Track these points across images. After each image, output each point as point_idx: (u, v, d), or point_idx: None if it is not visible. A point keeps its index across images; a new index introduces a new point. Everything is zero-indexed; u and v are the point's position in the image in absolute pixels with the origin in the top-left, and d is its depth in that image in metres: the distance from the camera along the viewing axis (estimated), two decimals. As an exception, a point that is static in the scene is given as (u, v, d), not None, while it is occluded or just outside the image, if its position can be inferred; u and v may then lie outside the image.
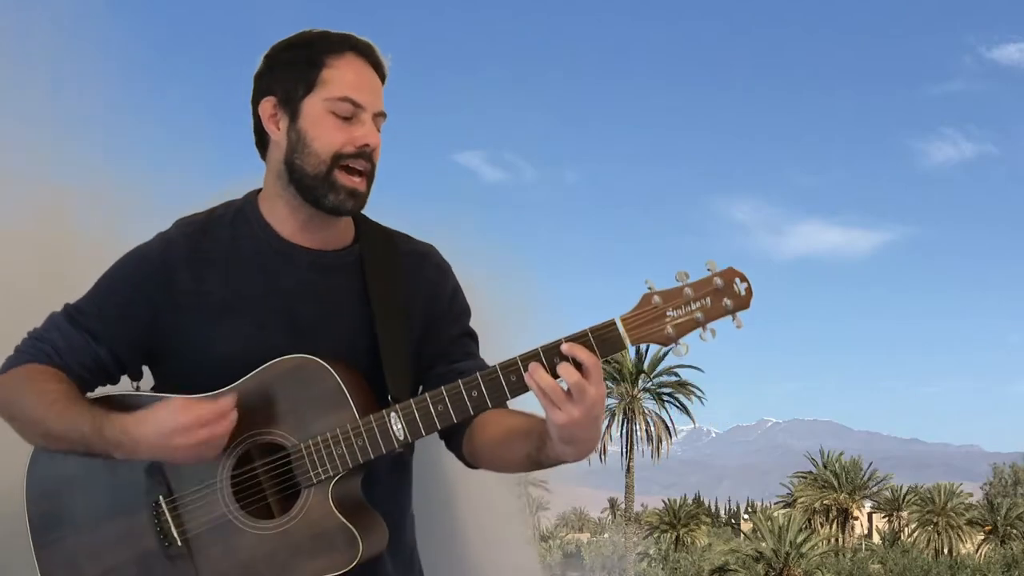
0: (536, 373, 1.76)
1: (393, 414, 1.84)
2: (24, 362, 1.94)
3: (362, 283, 1.99)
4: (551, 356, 1.77)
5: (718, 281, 1.76)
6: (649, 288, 1.78)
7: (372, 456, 1.85)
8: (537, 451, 1.87)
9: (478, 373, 1.82)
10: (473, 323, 2.11)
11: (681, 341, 1.77)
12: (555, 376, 1.76)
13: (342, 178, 1.92)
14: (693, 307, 1.77)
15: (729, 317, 1.77)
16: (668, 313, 1.77)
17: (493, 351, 1.86)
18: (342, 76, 1.92)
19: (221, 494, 1.89)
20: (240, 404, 1.86)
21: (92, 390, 1.98)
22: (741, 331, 1.77)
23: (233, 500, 1.88)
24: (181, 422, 1.81)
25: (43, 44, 3.50)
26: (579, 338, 1.77)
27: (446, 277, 2.09)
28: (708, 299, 1.77)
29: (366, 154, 1.93)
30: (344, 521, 1.84)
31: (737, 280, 1.77)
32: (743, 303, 1.77)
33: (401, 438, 1.84)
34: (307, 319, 1.95)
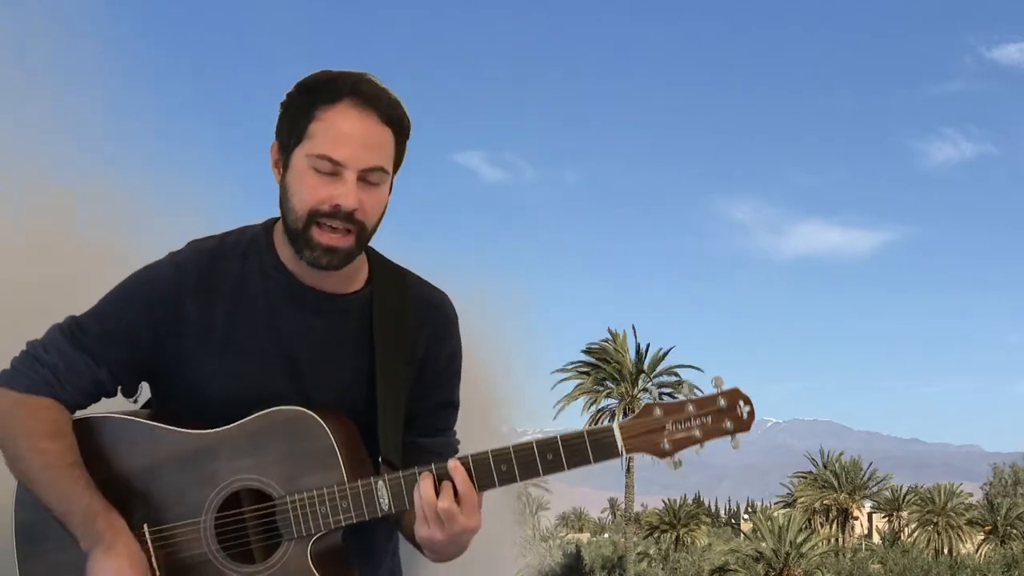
0: (421, 484, 1.79)
1: (381, 483, 1.84)
2: (21, 386, 1.90)
3: (369, 330, 1.95)
4: (443, 472, 1.80)
5: (722, 402, 1.79)
6: (653, 399, 1.80)
7: (355, 520, 1.84)
8: (419, 546, 1.89)
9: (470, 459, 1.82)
10: (472, 323, 2.09)
11: (676, 456, 1.78)
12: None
13: (318, 235, 1.85)
14: (693, 423, 1.78)
15: (728, 436, 1.79)
16: (667, 427, 1.78)
17: (493, 350, 1.85)
18: (327, 130, 1.84)
19: (205, 533, 1.88)
20: (232, 446, 1.87)
21: (86, 408, 1.97)
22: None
23: (215, 540, 1.88)
24: None
25: (43, 44, 3.50)
26: (574, 438, 1.78)
27: (450, 334, 2.04)
28: (709, 418, 1.78)
29: (341, 215, 1.84)
30: None
31: (741, 403, 1.79)
32: (744, 426, 1.79)
33: (386, 508, 1.83)
34: (307, 363, 1.93)
